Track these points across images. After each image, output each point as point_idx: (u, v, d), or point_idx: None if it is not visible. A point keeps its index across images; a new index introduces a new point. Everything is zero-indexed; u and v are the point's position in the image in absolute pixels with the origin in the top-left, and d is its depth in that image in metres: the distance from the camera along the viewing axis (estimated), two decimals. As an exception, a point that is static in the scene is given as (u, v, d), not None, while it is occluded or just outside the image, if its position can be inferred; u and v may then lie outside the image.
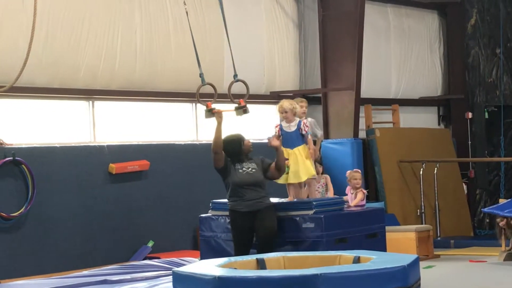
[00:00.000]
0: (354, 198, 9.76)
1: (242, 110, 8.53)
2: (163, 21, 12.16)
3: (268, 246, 8.38)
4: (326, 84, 13.76)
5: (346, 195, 9.85)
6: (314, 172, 8.94)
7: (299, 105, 9.27)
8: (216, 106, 8.90)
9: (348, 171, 10.01)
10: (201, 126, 12.74)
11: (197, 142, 12.59)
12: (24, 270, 10.23)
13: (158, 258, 10.96)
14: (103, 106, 11.63)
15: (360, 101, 13.69)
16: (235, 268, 6.35)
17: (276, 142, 8.64)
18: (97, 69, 11.44)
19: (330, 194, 9.66)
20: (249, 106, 13.04)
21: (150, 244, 11.50)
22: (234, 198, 8.65)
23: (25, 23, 10.10)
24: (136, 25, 11.85)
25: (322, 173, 9.85)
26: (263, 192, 8.68)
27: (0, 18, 10.22)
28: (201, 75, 9.01)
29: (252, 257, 7.02)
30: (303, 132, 8.86)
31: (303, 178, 8.85)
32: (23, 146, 10.60)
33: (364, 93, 14.05)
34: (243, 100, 8.58)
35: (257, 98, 13.23)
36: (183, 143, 12.39)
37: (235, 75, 8.74)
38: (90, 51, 11.30)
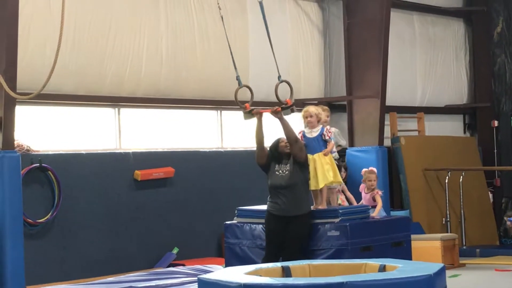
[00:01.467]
0: (369, 198, 9.66)
1: (289, 109, 8.53)
2: (188, 29, 12.21)
3: (294, 254, 8.34)
4: (351, 91, 13.73)
5: (360, 193, 9.75)
6: (331, 179, 8.75)
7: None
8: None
9: (363, 170, 9.89)
10: (226, 133, 12.76)
11: (221, 149, 12.62)
12: (50, 276, 10.29)
13: (183, 265, 10.99)
14: (128, 113, 11.69)
15: (385, 109, 13.64)
16: (260, 276, 6.35)
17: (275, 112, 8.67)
18: (123, 76, 11.50)
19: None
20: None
21: (175, 251, 11.53)
22: (270, 199, 8.68)
23: (52, 32, 10.18)
24: (161, 32, 11.90)
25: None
26: (297, 197, 8.59)
27: (27, 26, 10.30)
28: (237, 78, 9.02)
29: (277, 265, 7.01)
30: (326, 138, 8.82)
31: (321, 184, 8.79)
32: (50, 152, 10.67)
33: (389, 101, 14.01)
34: (289, 99, 8.59)
35: (280, 104, 13.21)
36: (208, 150, 12.42)
37: (279, 76, 8.76)
38: (116, 59, 11.36)
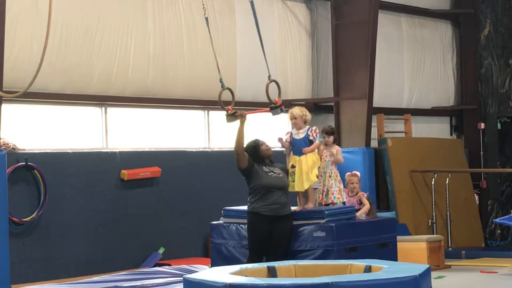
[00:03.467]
0: (354, 201, 9.69)
1: (278, 109, 8.50)
2: (176, 28, 12.19)
3: (279, 254, 8.37)
4: (338, 93, 13.76)
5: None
6: (315, 179, 8.83)
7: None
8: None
9: (347, 174, 9.93)
10: (213, 133, 12.75)
11: (208, 149, 12.61)
12: (36, 275, 10.26)
13: (169, 265, 10.97)
14: (115, 112, 11.66)
15: (373, 111, 13.68)
16: (246, 276, 6.35)
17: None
18: (110, 75, 11.47)
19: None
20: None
21: (161, 251, 11.51)
22: (258, 200, 8.61)
23: (39, 30, 10.15)
24: (149, 32, 11.89)
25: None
26: (287, 199, 8.70)
27: (14, 24, 10.27)
28: (221, 80, 9.02)
29: (263, 265, 7.01)
30: (311, 138, 8.84)
31: (306, 186, 8.82)
32: (36, 151, 10.64)
33: (377, 103, 14.05)
34: (279, 99, 8.57)
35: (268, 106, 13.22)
36: (195, 150, 12.40)
37: (270, 76, 8.74)
38: (103, 58, 11.34)
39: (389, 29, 15.18)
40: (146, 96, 11.96)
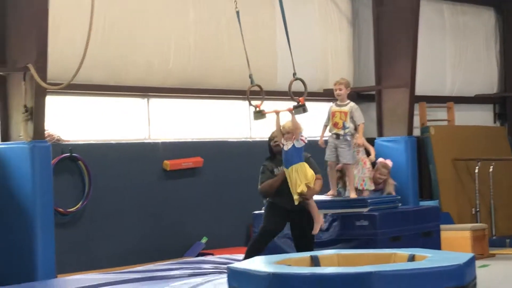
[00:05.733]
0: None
1: (301, 108, 8.38)
2: (216, 18, 12.21)
3: (305, 245, 8.36)
4: (380, 81, 13.67)
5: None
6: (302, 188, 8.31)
7: (336, 87, 9.21)
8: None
9: (379, 160, 9.83)
10: (255, 123, 12.76)
11: (250, 139, 12.63)
12: (80, 265, 10.38)
13: (212, 254, 11.02)
14: (158, 103, 11.73)
15: (415, 99, 13.57)
16: (289, 265, 6.36)
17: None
18: (152, 66, 11.54)
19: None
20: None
21: (204, 240, 11.58)
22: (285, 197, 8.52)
23: (82, 22, 10.21)
24: (190, 23, 11.93)
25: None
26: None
27: (57, 18, 10.36)
28: (250, 76, 8.93)
29: (306, 255, 7.02)
30: (297, 146, 8.29)
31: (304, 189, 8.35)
32: (80, 142, 10.75)
33: (419, 91, 13.93)
34: (303, 98, 8.49)
35: (310, 96, 13.18)
36: (236, 140, 12.43)
37: (294, 73, 8.67)
38: (145, 49, 11.40)
39: (431, 16, 15.05)
40: (188, 87, 12.00)
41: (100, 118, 11.18)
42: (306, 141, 8.43)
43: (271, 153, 8.70)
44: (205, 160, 11.78)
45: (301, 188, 8.21)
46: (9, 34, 9.77)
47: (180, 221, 11.49)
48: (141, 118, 11.58)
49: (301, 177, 8.25)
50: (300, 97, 8.45)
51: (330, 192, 9.39)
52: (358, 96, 13.91)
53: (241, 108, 12.72)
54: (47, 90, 9.62)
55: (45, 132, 9.95)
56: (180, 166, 11.55)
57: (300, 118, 8.47)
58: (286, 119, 8.56)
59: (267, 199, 8.66)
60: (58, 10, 10.37)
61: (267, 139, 8.82)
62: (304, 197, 8.26)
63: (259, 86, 8.92)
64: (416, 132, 14.01)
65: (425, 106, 14.31)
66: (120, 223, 10.94)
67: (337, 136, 9.21)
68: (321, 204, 8.99)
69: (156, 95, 11.67)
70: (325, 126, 9.41)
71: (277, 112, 8.53)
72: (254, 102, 8.73)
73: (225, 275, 8.79)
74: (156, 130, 11.65)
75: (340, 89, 9.30)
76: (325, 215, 9.01)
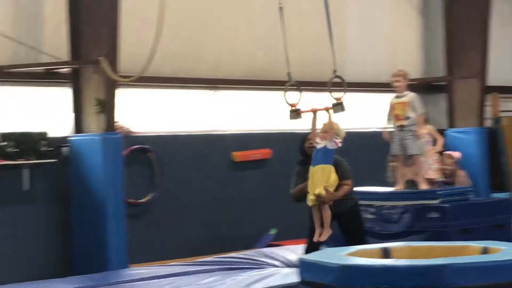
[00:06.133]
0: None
1: (339, 107, 8.11)
2: (284, 10, 12.16)
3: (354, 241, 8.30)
4: (450, 72, 13.48)
5: None
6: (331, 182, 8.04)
7: (394, 79, 9.08)
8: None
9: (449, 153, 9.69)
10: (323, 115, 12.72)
11: (318, 131, 12.56)
12: (151, 255, 10.49)
13: (280, 245, 11.03)
14: (226, 95, 11.78)
15: (486, 89, 13.35)
16: (360, 257, 6.32)
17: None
18: (220, 58, 11.59)
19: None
20: (370, 94, 13.01)
21: (273, 231, 11.59)
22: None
23: (152, 16, 10.31)
24: (257, 14, 11.93)
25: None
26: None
27: (128, 11, 10.46)
28: (288, 73, 8.68)
29: (376, 247, 6.96)
30: (329, 147, 8.04)
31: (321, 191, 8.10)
32: (150, 134, 10.87)
33: (491, 81, 13.70)
34: (341, 97, 8.31)
35: (378, 87, 13.10)
36: (305, 131, 12.38)
37: (335, 71, 8.48)
38: (214, 41, 11.46)
39: (503, 5, 14.76)
40: (255, 78, 12.02)
41: (169, 110, 11.28)
42: (340, 145, 8.15)
43: (303, 156, 8.55)
44: (273, 152, 11.79)
45: (319, 190, 7.97)
46: (82, 28, 9.93)
47: (249, 213, 11.53)
48: (210, 109, 11.64)
49: (323, 179, 8.02)
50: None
51: (397, 187, 9.28)
52: (428, 87, 13.74)
53: (309, 99, 12.67)
54: (118, 83, 9.75)
55: (116, 124, 10.09)
56: (249, 158, 11.59)
57: (337, 116, 8.24)
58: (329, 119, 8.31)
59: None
60: (129, 4, 10.47)
61: (299, 145, 8.61)
62: (320, 199, 8.11)
63: (296, 84, 8.57)
64: (488, 123, 13.79)
65: (497, 96, 14.06)
66: (190, 214, 11.03)
67: (401, 128, 9.12)
68: (392, 196, 8.93)
69: (224, 87, 11.72)
70: (389, 119, 9.33)
71: (314, 111, 8.31)
72: (290, 101, 8.46)
73: (292, 267, 8.83)
74: (224, 122, 11.70)
75: (398, 81, 9.18)
76: (393, 207, 8.95)
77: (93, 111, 9.77)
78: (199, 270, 9.05)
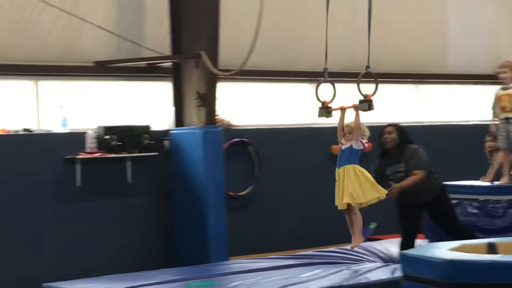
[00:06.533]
0: None
1: (367, 104, 7.83)
2: (386, 2, 12.04)
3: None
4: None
5: None
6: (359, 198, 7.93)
7: (500, 70, 8.84)
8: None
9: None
10: (423, 107, 12.55)
11: (419, 124, 12.40)
12: (251, 248, 10.54)
13: (380, 240, 10.92)
14: (325, 87, 11.70)
15: None
16: (466, 252, 6.19)
17: None
18: (319, 51, 11.52)
19: None
20: (473, 86, 12.72)
21: (372, 226, 11.47)
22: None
23: (251, 9, 10.34)
24: (357, 6, 11.81)
25: None
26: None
27: (228, 6, 10.52)
28: (325, 70, 8.44)
29: (482, 241, 6.81)
30: (356, 148, 7.96)
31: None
32: (250, 127, 10.92)
33: None
34: (371, 95, 7.96)
35: (482, 78, 12.82)
36: (405, 124, 12.21)
37: (368, 66, 8.19)
38: (312, 34, 11.39)
39: None
40: (355, 71, 11.91)
41: (269, 103, 11.30)
42: (366, 145, 8.00)
43: (381, 148, 8.50)
44: (374, 145, 11.65)
45: (346, 199, 7.88)
46: (183, 24, 10.05)
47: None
48: (308, 102, 11.60)
49: (350, 182, 7.93)
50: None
51: (503, 180, 9.07)
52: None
53: (409, 92, 12.52)
54: (219, 77, 9.82)
55: (217, 117, 10.17)
56: (348, 151, 11.49)
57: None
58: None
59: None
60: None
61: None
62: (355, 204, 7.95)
63: (331, 82, 8.28)
64: None
65: None
66: (289, 208, 11.04)
67: (508, 120, 8.89)
68: (496, 190, 8.75)
69: (324, 80, 11.63)
70: (494, 112, 9.12)
71: (343, 109, 8.12)
72: (322, 98, 8.21)
73: (393, 262, 8.74)
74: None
75: (505, 72, 8.97)
76: (498, 201, 8.77)
77: (194, 104, 9.88)
78: (299, 263, 9.05)
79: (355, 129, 7.90)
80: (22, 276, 9.08)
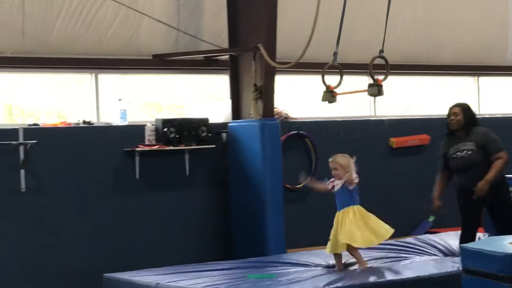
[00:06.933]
0: None
1: (376, 88, 7.80)
2: (444, -7, 11.93)
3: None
4: None
5: None
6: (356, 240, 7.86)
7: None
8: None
9: None
10: (483, 99, 12.39)
11: (479, 116, 12.22)
12: (308, 240, 10.54)
13: (439, 233, 10.83)
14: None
15: None
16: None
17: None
18: (374, 43, 11.44)
19: None
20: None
21: (431, 219, 11.40)
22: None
23: (309, 1, 10.33)
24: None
25: None
26: (473, 175, 8.30)
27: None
28: (334, 54, 8.40)
29: (544, 235, 6.72)
30: (350, 188, 7.87)
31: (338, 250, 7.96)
32: (306, 120, 10.90)
33: None
34: (382, 79, 7.87)
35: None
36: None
37: (381, 50, 8.07)
38: (368, 25, 11.32)
39: None
40: (413, 63, 11.82)
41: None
42: (357, 181, 7.91)
43: (448, 129, 8.44)
44: (432, 138, 11.56)
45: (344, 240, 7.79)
46: (241, 16, 10.08)
47: (407, 199, 11.38)
48: (363, 95, 11.53)
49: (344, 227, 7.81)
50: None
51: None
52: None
53: (469, 84, 12.37)
54: (276, 69, 9.82)
55: (274, 110, 10.18)
56: (406, 144, 11.44)
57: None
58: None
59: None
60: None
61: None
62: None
63: (338, 67, 8.25)
64: None
65: None
66: (346, 200, 10.99)
67: None
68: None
69: (378, 72, 11.56)
70: None
71: (353, 93, 8.09)
72: (328, 82, 8.27)
73: (453, 255, 8.66)
74: (382, 107, 11.58)
75: None
76: None
77: (251, 97, 9.90)
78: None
79: (338, 167, 7.87)
80: (83, 267, 9.22)
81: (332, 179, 8.00)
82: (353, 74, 10.90)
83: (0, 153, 8.84)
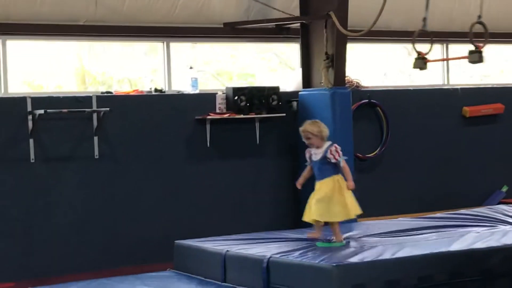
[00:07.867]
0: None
1: (477, 55, 7.51)
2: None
3: None
4: None
5: None
6: (340, 217, 7.42)
7: None
8: None
9: None
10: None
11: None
12: (378, 209, 10.47)
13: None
14: (456, 49, 11.44)
15: None
16: None
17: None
18: (451, 11, 11.26)
19: None
20: None
21: (504, 189, 11.22)
22: None
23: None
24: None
25: None
26: None
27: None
28: (424, 19, 8.19)
29: None
30: (332, 160, 7.31)
31: (306, 218, 7.51)
32: (378, 89, 10.80)
33: None
34: (482, 46, 7.56)
35: None
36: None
37: (480, 16, 7.74)
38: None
39: None
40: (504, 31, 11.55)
41: (397, 64, 11.14)
42: (340, 154, 7.30)
43: None
44: (506, 107, 11.35)
45: (315, 216, 7.38)
46: (313, -16, 10.00)
47: (479, 169, 11.23)
48: (440, 63, 11.36)
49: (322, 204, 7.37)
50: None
51: None
52: None
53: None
54: (348, 37, 9.73)
55: (346, 78, 10.10)
56: (480, 113, 11.26)
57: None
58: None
59: None
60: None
61: None
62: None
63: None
64: None
65: None
66: (418, 170, 10.91)
67: None
68: None
69: (456, 40, 11.37)
70: None
71: (447, 60, 7.82)
72: (420, 49, 8.04)
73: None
74: (455, 76, 11.40)
75: None
76: None
77: (323, 65, 9.83)
78: (429, 226, 8.89)
79: (311, 135, 7.32)
80: (155, 233, 9.35)
81: (308, 149, 7.53)
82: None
83: (74, 120, 8.98)
